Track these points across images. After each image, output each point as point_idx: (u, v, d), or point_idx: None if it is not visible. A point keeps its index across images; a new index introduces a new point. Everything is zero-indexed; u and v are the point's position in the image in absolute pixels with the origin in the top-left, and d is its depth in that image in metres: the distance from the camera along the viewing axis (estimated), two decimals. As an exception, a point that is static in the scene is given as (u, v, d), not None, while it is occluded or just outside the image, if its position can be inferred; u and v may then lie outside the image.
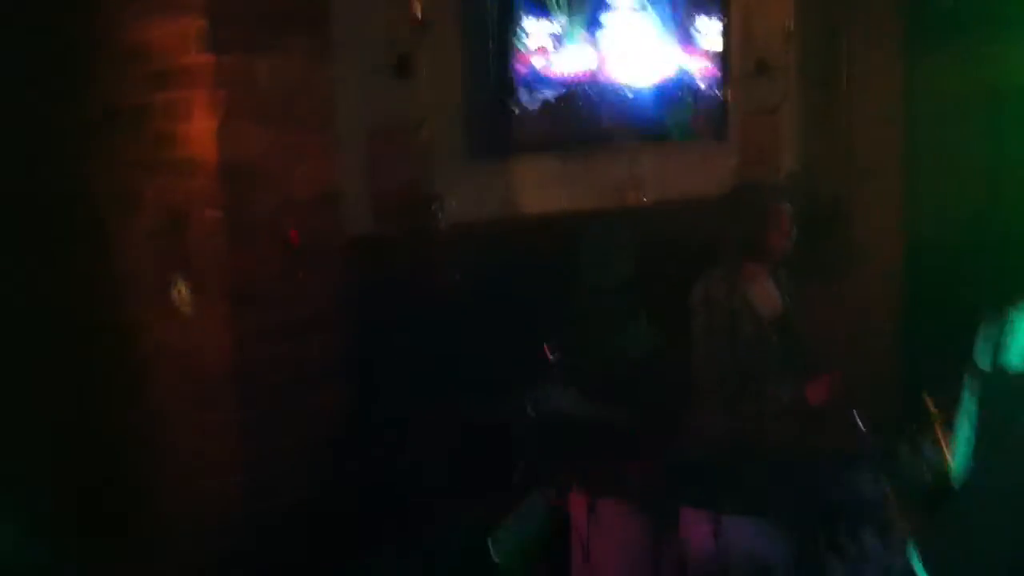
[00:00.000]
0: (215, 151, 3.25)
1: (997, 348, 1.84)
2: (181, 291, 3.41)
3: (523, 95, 3.97)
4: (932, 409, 3.05)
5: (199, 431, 3.47)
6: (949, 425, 2.97)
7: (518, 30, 3.92)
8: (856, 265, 4.89)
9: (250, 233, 3.31)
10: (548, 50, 4.02)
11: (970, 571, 1.83)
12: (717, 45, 4.64)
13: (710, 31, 4.60)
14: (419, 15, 3.73)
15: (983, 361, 1.89)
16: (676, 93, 4.48)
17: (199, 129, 3.28)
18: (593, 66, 4.18)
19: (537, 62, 4.00)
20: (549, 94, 4.05)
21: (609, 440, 3.16)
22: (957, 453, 2.03)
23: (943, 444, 2.88)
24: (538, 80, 4.01)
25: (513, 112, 3.96)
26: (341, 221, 3.54)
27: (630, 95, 4.31)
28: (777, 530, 2.84)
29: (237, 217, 3.30)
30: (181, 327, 3.45)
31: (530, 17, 3.95)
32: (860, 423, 3.15)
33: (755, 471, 2.96)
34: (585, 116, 4.18)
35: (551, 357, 3.27)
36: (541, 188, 4.17)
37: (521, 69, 3.96)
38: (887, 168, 4.94)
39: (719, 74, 4.65)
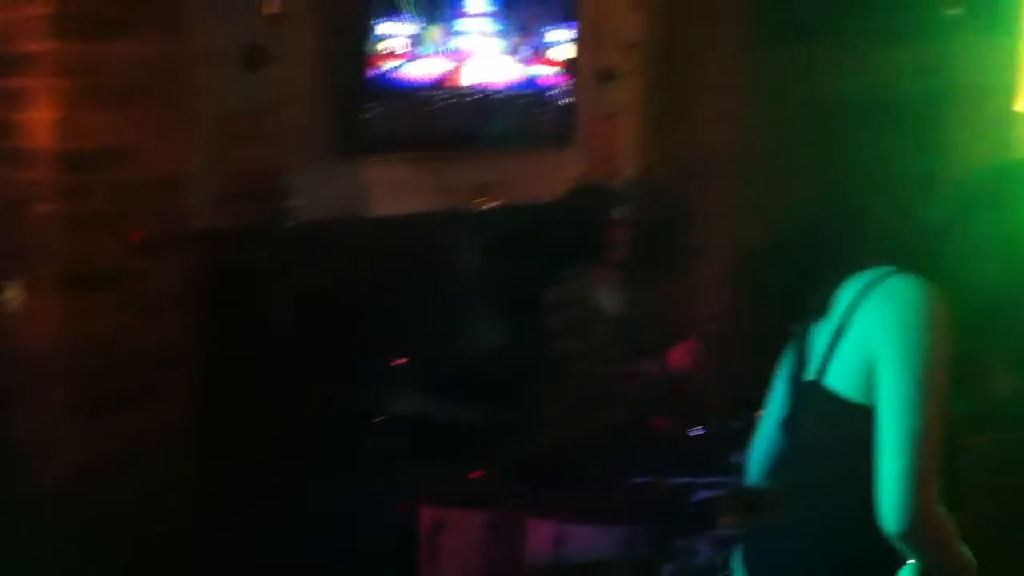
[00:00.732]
0: (56, 141, 3.13)
1: (799, 357, 1.95)
2: (11, 290, 3.27)
3: (377, 96, 3.97)
4: (752, 412, 3.24)
5: (32, 426, 3.34)
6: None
7: (374, 31, 3.93)
8: (698, 266, 5.08)
9: (90, 225, 3.21)
10: (403, 53, 4.04)
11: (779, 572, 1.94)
12: (566, 53, 4.74)
13: (559, 39, 4.70)
14: (274, 6, 3.69)
15: (786, 367, 2.01)
16: (526, 99, 4.56)
17: (40, 118, 3.16)
18: (446, 71, 4.22)
19: (392, 64, 4.01)
20: (402, 96, 4.07)
21: (458, 443, 3.20)
22: (753, 453, 2.15)
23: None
24: (392, 82, 4.02)
25: (367, 112, 3.96)
26: (188, 213, 3.46)
27: (481, 101, 4.36)
28: (616, 536, 2.92)
29: (77, 208, 3.19)
30: (15, 320, 3.31)
31: (387, 19, 3.95)
32: (691, 430, 3.29)
33: (597, 477, 3.05)
34: (438, 120, 4.22)
35: (399, 359, 3.29)
36: (393, 189, 4.19)
37: (376, 70, 3.96)
38: (729, 171, 5.13)
39: (567, 81, 4.75)
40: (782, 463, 2.03)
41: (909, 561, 1.71)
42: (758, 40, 5.04)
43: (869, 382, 1.73)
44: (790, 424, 2.00)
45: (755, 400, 3.46)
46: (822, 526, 1.86)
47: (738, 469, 3.01)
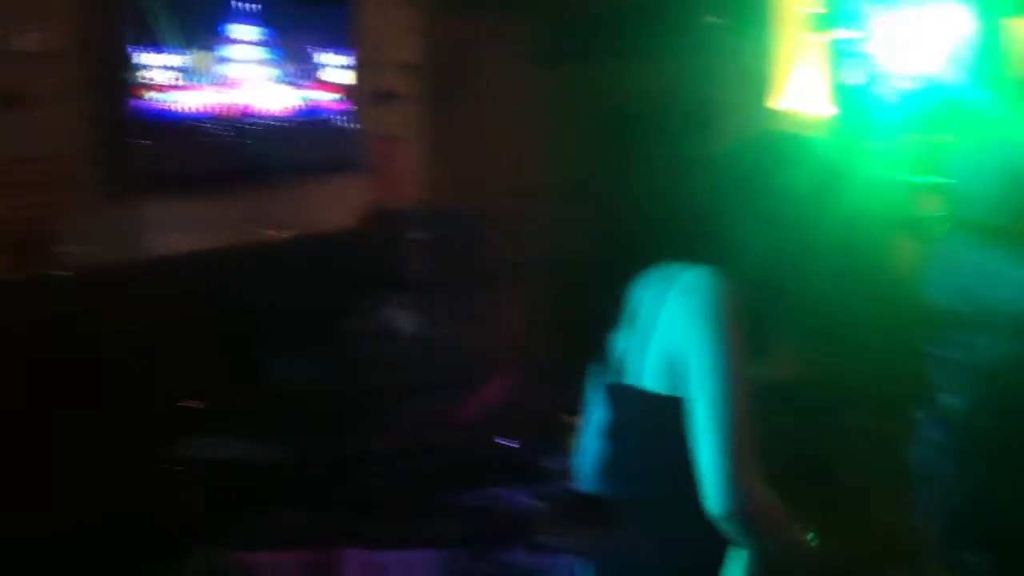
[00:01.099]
0: None
1: (611, 362, 1.97)
2: None
3: (148, 132, 3.78)
4: (567, 421, 3.27)
5: None
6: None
7: (139, 63, 3.74)
8: (497, 283, 5.08)
9: None
10: (171, 85, 3.87)
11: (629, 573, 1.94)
12: (346, 78, 4.68)
13: (336, 63, 4.63)
14: (29, 44, 3.47)
15: (600, 373, 2.02)
16: (306, 126, 4.47)
17: None
18: (220, 102, 4.07)
19: (160, 97, 3.83)
20: (175, 131, 3.89)
21: (265, 483, 3.07)
22: (579, 462, 2.16)
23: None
24: (163, 116, 3.84)
25: (139, 149, 3.77)
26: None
27: (260, 130, 4.24)
28: (436, 559, 2.88)
29: None
30: None
31: (152, 50, 3.77)
32: (507, 442, 3.28)
33: (410, 500, 3.00)
34: (214, 152, 4.06)
35: (201, 405, 3.14)
36: (174, 227, 4.00)
37: (144, 104, 3.77)
38: (522, 189, 5.17)
39: (347, 106, 4.69)
40: (610, 469, 2.04)
41: (743, 548, 1.74)
42: (540, 59, 5.12)
43: (680, 376, 1.75)
44: (612, 430, 2.00)
45: (571, 408, 3.52)
46: (660, 523, 1.87)
47: (556, 476, 3.03)
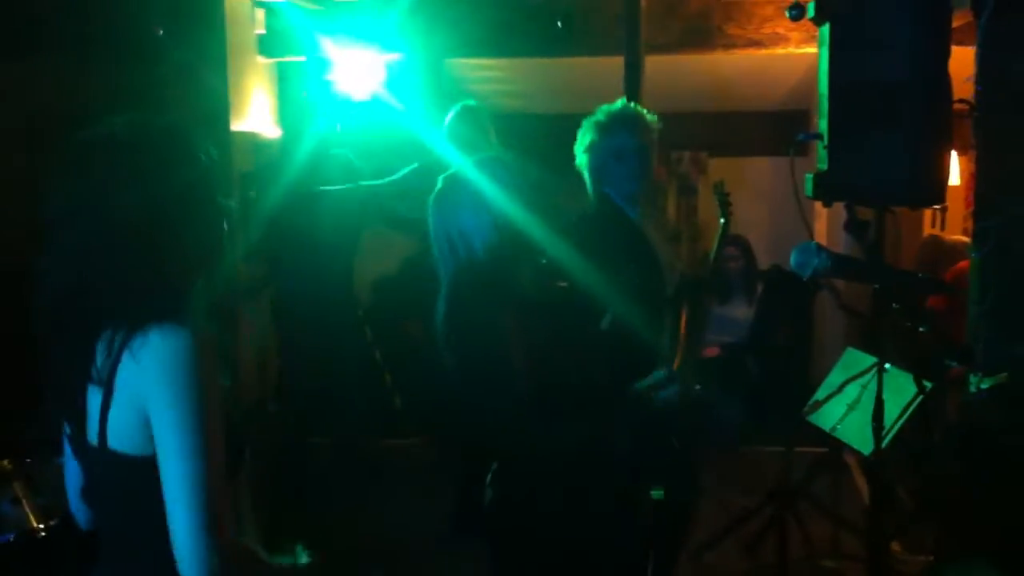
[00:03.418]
0: None
1: (75, 421, 1.83)
2: None
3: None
4: (7, 467, 2.97)
5: None
6: (32, 483, 2.92)
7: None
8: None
9: None
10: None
11: None
12: None
13: None
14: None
15: (68, 433, 1.88)
16: None
17: None
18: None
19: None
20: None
21: None
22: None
23: (23, 502, 2.82)
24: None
25: None
26: None
27: None
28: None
29: None
30: None
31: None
32: None
33: None
34: None
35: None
36: None
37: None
38: None
39: None
40: (96, 530, 1.87)
41: None
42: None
43: (149, 436, 1.66)
44: (88, 491, 1.84)
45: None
46: None
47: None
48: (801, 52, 5.34)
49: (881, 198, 2.63)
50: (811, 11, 2.61)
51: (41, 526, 2.73)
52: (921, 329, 2.43)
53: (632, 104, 3.31)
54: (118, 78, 4.62)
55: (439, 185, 2.65)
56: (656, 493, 2.80)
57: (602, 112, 3.26)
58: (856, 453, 3.62)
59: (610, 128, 3.21)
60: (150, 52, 4.66)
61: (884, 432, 2.71)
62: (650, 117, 3.26)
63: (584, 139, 3.26)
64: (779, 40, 5.32)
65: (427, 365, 2.87)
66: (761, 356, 5.41)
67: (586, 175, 3.27)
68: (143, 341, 1.65)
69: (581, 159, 3.27)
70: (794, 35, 5.23)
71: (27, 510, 2.81)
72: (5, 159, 4.62)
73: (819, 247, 2.40)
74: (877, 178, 2.52)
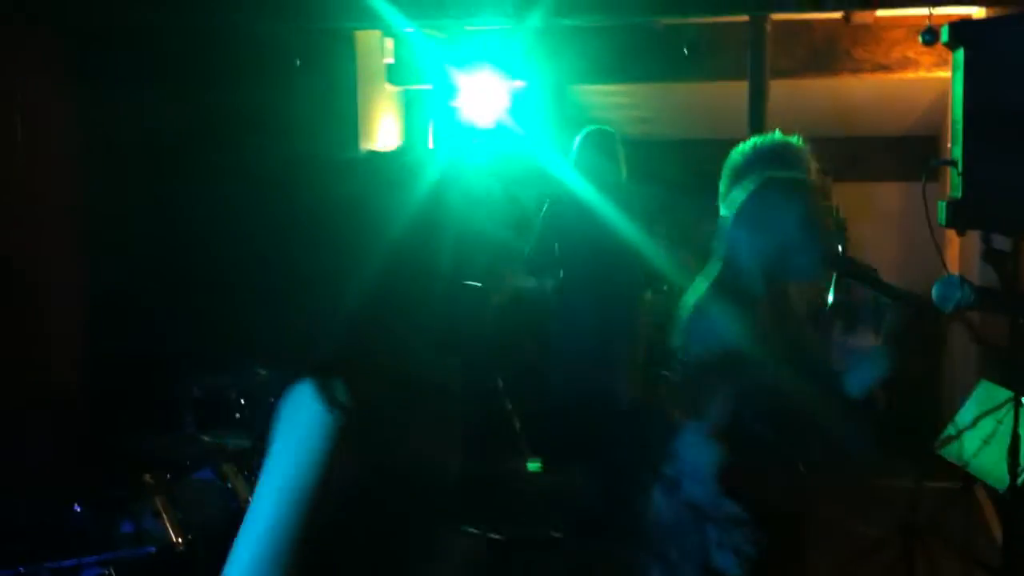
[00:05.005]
0: None
1: None
2: None
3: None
4: (150, 481, 3.10)
5: None
6: (171, 498, 3.05)
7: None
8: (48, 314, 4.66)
9: None
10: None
11: None
12: None
13: None
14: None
15: None
16: None
17: None
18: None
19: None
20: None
21: None
22: None
23: (164, 516, 2.94)
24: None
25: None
26: None
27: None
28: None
29: None
30: None
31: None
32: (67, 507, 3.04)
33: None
34: None
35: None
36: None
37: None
38: (71, 217, 4.77)
39: None
40: None
41: None
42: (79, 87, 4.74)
43: None
44: None
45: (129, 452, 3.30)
46: None
47: (130, 541, 2.85)
48: (932, 76, 5.23)
49: (1018, 226, 2.55)
50: (944, 36, 2.56)
51: (180, 540, 2.84)
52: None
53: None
54: (254, 105, 4.80)
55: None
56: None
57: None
58: (990, 489, 3.50)
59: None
60: (285, 81, 4.83)
61: (1020, 468, 2.62)
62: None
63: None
64: (908, 64, 5.22)
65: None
66: (890, 387, 5.26)
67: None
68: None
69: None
70: (924, 59, 5.12)
71: (167, 524, 2.93)
72: (144, 185, 4.81)
73: (962, 280, 2.32)
74: (1014, 206, 2.46)
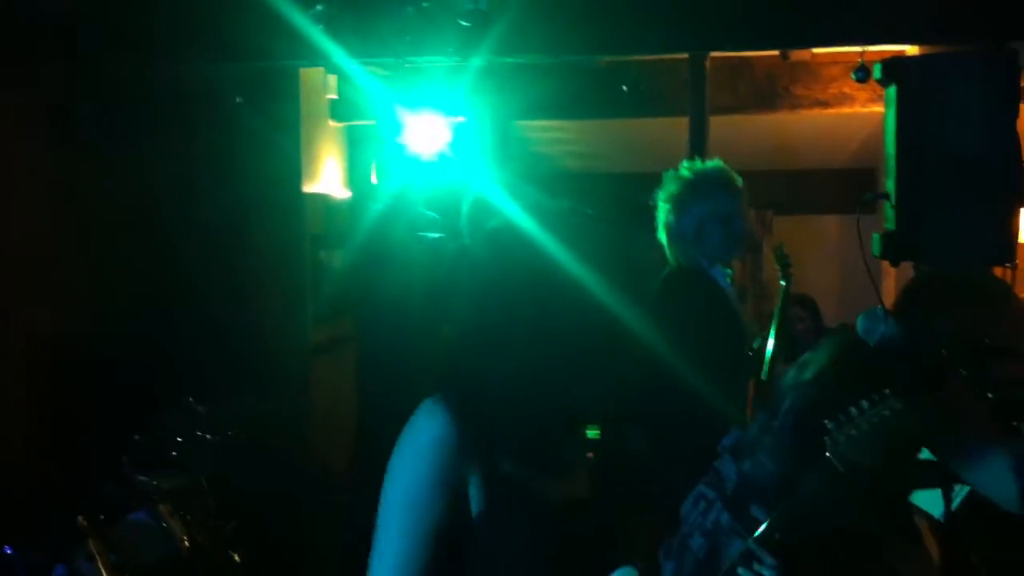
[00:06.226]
0: None
1: None
2: None
3: None
4: (83, 524, 3.03)
5: None
6: (106, 540, 2.98)
7: None
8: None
9: None
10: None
11: None
12: None
13: None
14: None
15: None
16: None
17: None
18: None
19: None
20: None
21: None
22: None
23: (98, 559, 2.88)
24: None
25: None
26: None
27: None
28: None
29: None
30: None
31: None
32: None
33: None
34: None
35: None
36: None
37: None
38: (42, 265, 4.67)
39: None
40: None
41: None
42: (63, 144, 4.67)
43: None
44: None
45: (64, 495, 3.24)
46: None
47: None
48: (868, 111, 5.33)
49: (949, 258, 2.60)
50: (877, 72, 2.62)
51: (115, 582, 2.79)
52: (990, 395, 2.37)
53: (722, 163, 3.19)
54: (194, 147, 4.75)
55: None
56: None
57: (693, 171, 3.14)
58: (926, 516, 3.52)
59: (708, 190, 3.09)
60: (225, 120, 4.79)
61: (953, 492, 2.64)
62: (738, 177, 3.16)
63: (674, 200, 3.14)
64: (846, 100, 5.32)
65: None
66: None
67: (672, 236, 3.14)
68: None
69: (668, 219, 3.13)
70: (861, 95, 5.23)
71: (101, 568, 2.87)
72: (108, 243, 4.70)
73: (886, 312, 2.31)
74: (945, 237, 2.51)
